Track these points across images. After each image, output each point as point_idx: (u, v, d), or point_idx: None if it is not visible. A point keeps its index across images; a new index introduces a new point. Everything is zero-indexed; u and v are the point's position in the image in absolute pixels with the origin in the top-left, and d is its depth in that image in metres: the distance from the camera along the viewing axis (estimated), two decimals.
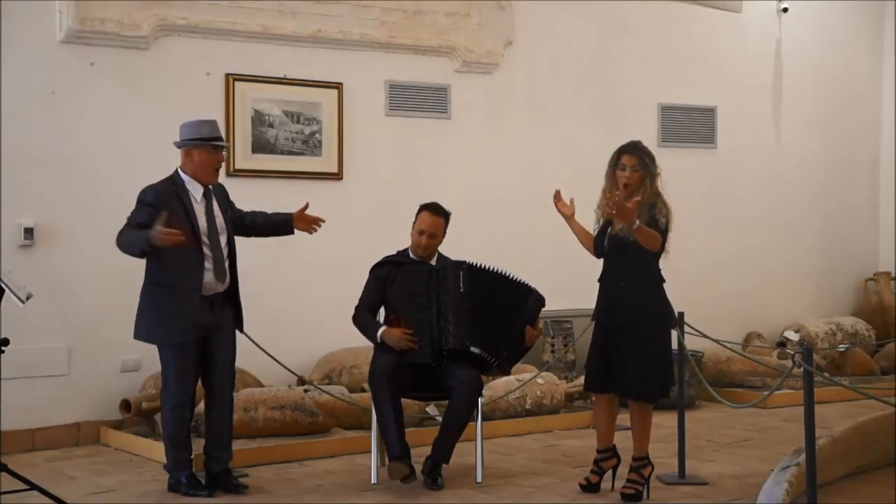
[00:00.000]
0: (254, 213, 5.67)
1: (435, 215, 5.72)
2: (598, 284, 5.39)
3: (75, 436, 6.70)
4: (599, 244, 5.35)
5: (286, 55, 7.46)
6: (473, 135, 8.26)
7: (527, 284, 5.77)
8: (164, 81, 7.04)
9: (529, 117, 8.53)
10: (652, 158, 5.26)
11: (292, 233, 5.72)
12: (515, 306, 5.71)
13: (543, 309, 5.81)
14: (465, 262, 5.73)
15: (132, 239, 5.18)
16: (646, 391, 5.23)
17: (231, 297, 5.48)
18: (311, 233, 5.70)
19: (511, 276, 5.77)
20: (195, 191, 5.37)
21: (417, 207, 5.82)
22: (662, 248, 5.19)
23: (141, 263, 5.38)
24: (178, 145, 5.44)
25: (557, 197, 5.46)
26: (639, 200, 5.03)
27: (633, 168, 5.21)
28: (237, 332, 5.59)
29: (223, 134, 6.61)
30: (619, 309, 5.19)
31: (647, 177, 5.20)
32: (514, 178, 8.37)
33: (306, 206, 5.64)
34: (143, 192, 5.34)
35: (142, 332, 5.37)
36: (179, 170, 5.42)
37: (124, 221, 5.86)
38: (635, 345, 5.14)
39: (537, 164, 8.47)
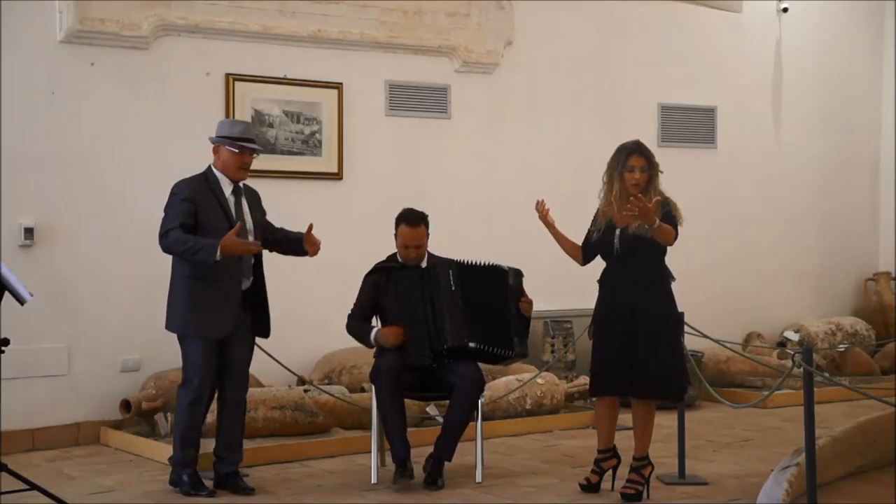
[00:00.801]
0: (279, 229, 5.66)
1: (414, 226, 5.70)
2: (597, 285, 5.40)
3: (75, 436, 6.70)
4: (601, 248, 5.32)
5: (286, 55, 7.46)
6: (473, 135, 8.26)
7: (500, 266, 5.73)
8: (164, 81, 7.04)
9: (529, 117, 8.53)
10: (652, 156, 5.29)
11: (306, 253, 5.63)
12: (501, 291, 5.68)
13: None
14: (452, 261, 5.74)
15: (195, 247, 5.14)
16: (670, 392, 5.26)
17: (255, 300, 5.44)
18: (312, 255, 5.63)
19: (488, 263, 5.76)
20: (226, 186, 5.40)
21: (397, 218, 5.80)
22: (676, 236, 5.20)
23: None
24: (212, 141, 5.47)
25: (540, 208, 5.45)
26: (659, 200, 5.05)
27: (641, 169, 5.22)
28: (264, 338, 5.58)
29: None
30: (639, 310, 5.15)
31: (653, 176, 5.24)
32: (513, 177, 8.37)
33: (311, 228, 5.59)
34: (177, 186, 5.35)
35: (179, 326, 5.34)
36: (212, 165, 5.45)
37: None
38: (658, 346, 5.12)
39: (537, 163, 8.47)
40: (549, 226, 5.46)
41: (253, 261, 5.45)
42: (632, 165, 5.23)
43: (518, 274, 5.77)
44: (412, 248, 5.71)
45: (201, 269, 5.22)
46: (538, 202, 5.47)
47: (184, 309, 5.29)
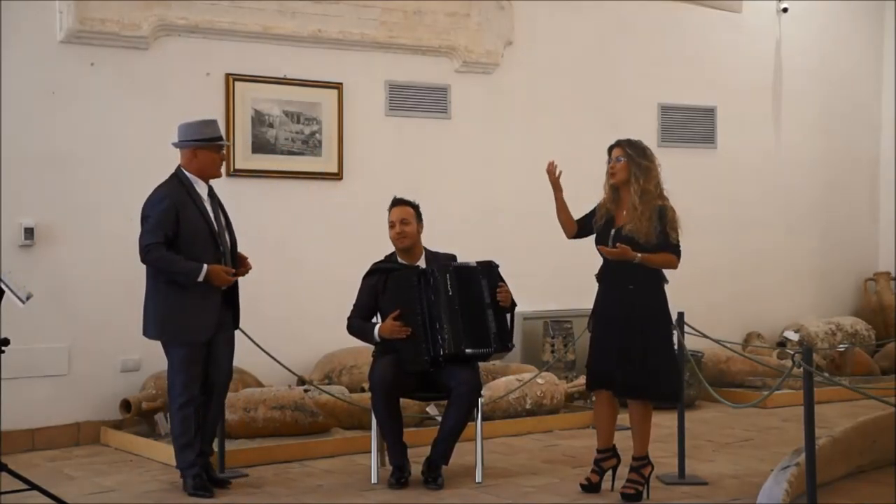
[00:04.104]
0: None
1: (402, 205, 5.77)
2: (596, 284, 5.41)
3: (75, 436, 6.70)
4: (599, 241, 5.34)
5: (286, 55, 7.46)
6: (473, 135, 8.26)
7: (476, 266, 5.71)
8: (164, 81, 7.04)
9: (529, 117, 8.52)
10: (638, 150, 5.30)
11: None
12: (480, 289, 5.66)
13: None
14: (450, 264, 5.72)
15: (180, 269, 5.21)
16: (659, 393, 5.27)
17: (230, 296, 5.48)
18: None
19: (469, 263, 5.74)
20: (201, 189, 5.41)
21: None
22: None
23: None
24: (182, 145, 5.45)
25: (551, 168, 5.49)
26: (624, 249, 5.11)
27: (616, 158, 5.30)
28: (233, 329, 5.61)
29: (223, 134, 6.64)
30: (631, 311, 5.19)
31: (632, 166, 5.25)
32: (513, 177, 8.37)
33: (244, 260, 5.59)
34: (156, 194, 5.34)
35: (156, 332, 5.37)
36: (182, 169, 5.44)
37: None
38: (648, 348, 5.15)
39: (537, 164, 8.36)
40: (557, 188, 5.47)
41: (231, 258, 5.46)
42: (611, 157, 5.34)
43: (492, 268, 5.71)
44: (398, 221, 5.71)
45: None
46: (550, 163, 5.48)
47: (163, 314, 5.31)
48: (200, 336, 5.29)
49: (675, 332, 5.43)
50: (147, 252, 5.24)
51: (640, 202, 5.18)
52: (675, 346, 5.38)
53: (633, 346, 5.15)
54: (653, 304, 5.23)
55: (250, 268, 5.57)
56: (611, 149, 5.39)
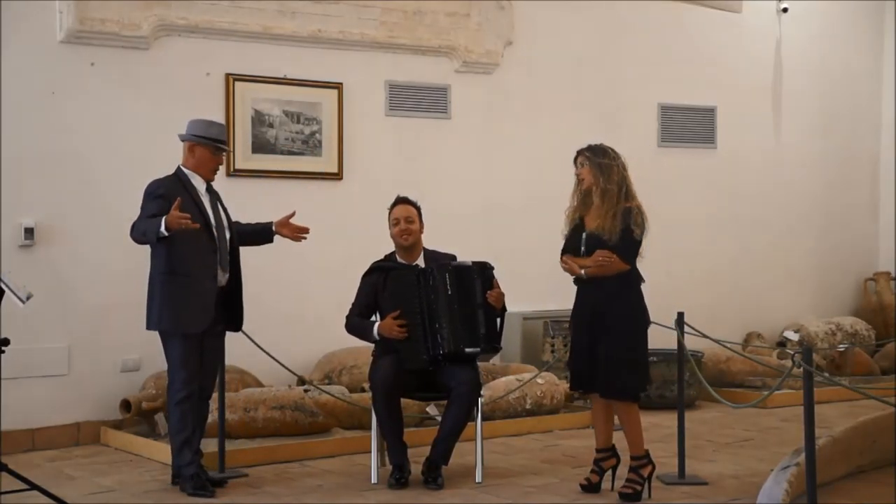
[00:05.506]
0: (235, 222, 5.68)
1: (405, 204, 5.80)
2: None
3: (75, 436, 6.70)
4: (569, 247, 5.38)
5: (286, 55, 7.47)
6: (473, 135, 8.26)
7: (470, 265, 5.71)
8: (164, 81, 7.04)
9: (529, 117, 8.52)
10: (598, 151, 5.31)
11: (272, 241, 5.79)
12: (475, 289, 5.66)
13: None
14: (449, 264, 5.72)
15: (146, 227, 5.19)
16: (621, 389, 5.25)
17: (231, 296, 5.48)
18: (296, 241, 5.77)
19: (467, 262, 5.75)
20: (199, 184, 5.44)
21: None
22: (636, 255, 5.25)
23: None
24: (184, 139, 5.48)
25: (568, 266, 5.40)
26: (570, 264, 5.25)
27: (580, 164, 5.36)
28: (235, 331, 5.62)
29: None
30: (602, 311, 5.23)
31: (593, 168, 5.28)
32: (513, 177, 8.38)
33: (292, 215, 5.72)
34: (151, 186, 5.38)
35: (156, 322, 5.37)
36: (181, 166, 5.47)
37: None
38: (616, 345, 5.18)
39: (537, 164, 8.47)
40: (585, 272, 5.31)
41: (229, 256, 5.47)
42: (577, 165, 5.39)
43: (485, 267, 5.72)
44: (403, 219, 5.73)
45: (172, 264, 5.26)
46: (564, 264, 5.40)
47: (160, 306, 5.32)
48: (194, 327, 5.29)
49: (673, 330, 5.41)
50: (131, 228, 5.30)
51: (603, 201, 5.23)
52: (646, 343, 5.36)
53: (602, 349, 5.20)
54: (621, 306, 5.24)
55: (304, 230, 5.72)
56: (575, 160, 5.41)
